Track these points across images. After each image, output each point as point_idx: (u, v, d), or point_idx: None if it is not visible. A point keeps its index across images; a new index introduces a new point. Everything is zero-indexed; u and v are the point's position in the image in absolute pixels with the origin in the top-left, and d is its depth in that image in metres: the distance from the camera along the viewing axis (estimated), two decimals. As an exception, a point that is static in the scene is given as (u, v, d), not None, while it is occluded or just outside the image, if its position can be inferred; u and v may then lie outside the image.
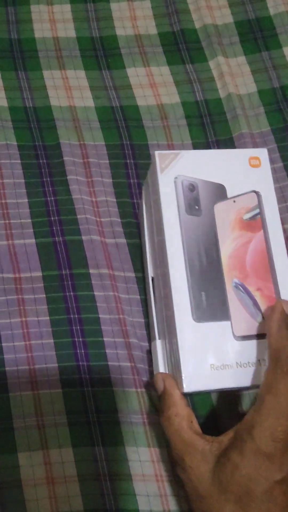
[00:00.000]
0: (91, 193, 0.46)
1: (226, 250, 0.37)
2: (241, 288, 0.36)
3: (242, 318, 0.36)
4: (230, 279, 0.37)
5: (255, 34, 0.53)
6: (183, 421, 0.34)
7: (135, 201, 0.47)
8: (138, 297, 0.43)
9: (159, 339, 0.39)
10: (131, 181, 0.47)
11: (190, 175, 0.38)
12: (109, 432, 0.39)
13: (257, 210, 0.38)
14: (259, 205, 0.38)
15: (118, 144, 0.48)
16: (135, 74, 0.51)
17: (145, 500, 0.38)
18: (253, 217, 0.38)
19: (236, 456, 0.30)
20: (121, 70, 0.51)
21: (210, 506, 0.31)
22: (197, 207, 0.38)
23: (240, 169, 0.39)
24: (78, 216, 0.45)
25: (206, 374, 0.34)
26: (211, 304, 0.36)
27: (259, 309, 0.36)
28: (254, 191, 0.38)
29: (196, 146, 0.49)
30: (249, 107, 0.50)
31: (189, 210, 0.38)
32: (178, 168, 0.38)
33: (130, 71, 0.51)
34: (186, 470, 0.32)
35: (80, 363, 0.41)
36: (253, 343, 0.35)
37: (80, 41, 0.52)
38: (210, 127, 0.49)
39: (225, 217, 0.38)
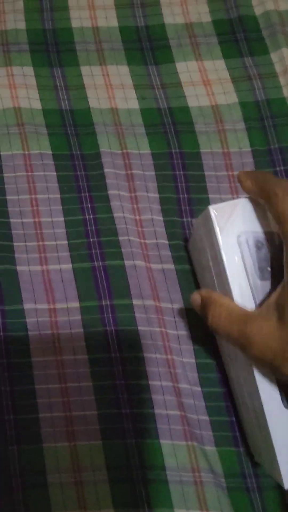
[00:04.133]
0: (135, 210, 0.42)
1: None
2: None
3: None
4: None
5: None
6: (229, 307, 0.32)
7: (185, 219, 0.42)
8: (189, 333, 0.39)
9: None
10: (181, 196, 0.43)
11: (255, 227, 0.33)
12: (156, 492, 0.36)
13: None
14: None
15: (166, 153, 0.44)
16: (186, 70, 0.47)
17: None
18: None
19: None
20: (169, 64, 0.47)
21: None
22: (269, 269, 0.32)
23: None
24: (120, 238, 0.41)
25: None
26: None
27: None
28: None
29: (256, 154, 0.44)
30: None
31: (261, 274, 0.32)
32: (240, 222, 0.33)
33: (180, 66, 0.47)
34: (251, 342, 0.30)
35: (123, 410, 0.37)
36: None
37: (123, 31, 0.48)
38: (272, 131, 0.45)
39: None
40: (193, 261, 0.40)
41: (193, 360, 0.39)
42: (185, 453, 0.37)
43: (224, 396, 0.38)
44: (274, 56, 0.47)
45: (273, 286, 0.32)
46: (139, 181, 0.43)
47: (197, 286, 0.40)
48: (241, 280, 0.32)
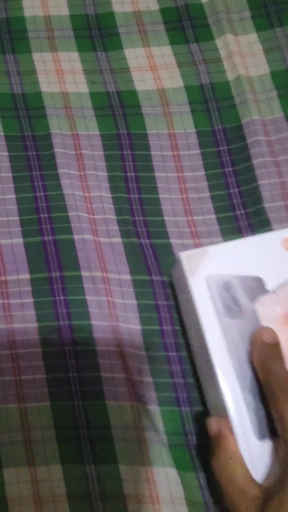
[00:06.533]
0: (84, 187, 0.46)
1: None
2: None
3: None
4: None
5: (267, 8, 0.52)
6: (237, 466, 0.34)
7: (132, 196, 0.46)
8: (135, 302, 0.43)
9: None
10: (128, 174, 0.46)
11: (222, 271, 0.38)
12: (101, 449, 0.39)
13: None
14: None
15: (114, 134, 0.48)
16: (134, 56, 0.50)
17: (139, 523, 0.38)
18: None
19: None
20: (118, 51, 0.50)
21: None
22: (237, 308, 0.37)
23: (274, 255, 0.38)
24: (70, 214, 0.44)
25: None
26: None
27: None
28: None
29: (201, 135, 0.48)
30: (260, 90, 0.49)
31: (229, 312, 0.37)
32: (208, 267, 0.38)
33: (128, 52, 0.50)
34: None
35: (71, 374, 0.41)
36: None
37: (73, 20, 0.51)
38: (216, 113, 0.48)
39: (270, 313, 0.37)
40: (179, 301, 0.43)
41: (139, 327, 0.42)
42: (130, 413, 0.40)
43: (168, 360, 0.41)
44: (218, 42, 0.51)
45: (243, 324, 0.37)
46: (88, 160, 0.46)
47: (146, 261, 0.44)
48: (211, 318, 0.37)
